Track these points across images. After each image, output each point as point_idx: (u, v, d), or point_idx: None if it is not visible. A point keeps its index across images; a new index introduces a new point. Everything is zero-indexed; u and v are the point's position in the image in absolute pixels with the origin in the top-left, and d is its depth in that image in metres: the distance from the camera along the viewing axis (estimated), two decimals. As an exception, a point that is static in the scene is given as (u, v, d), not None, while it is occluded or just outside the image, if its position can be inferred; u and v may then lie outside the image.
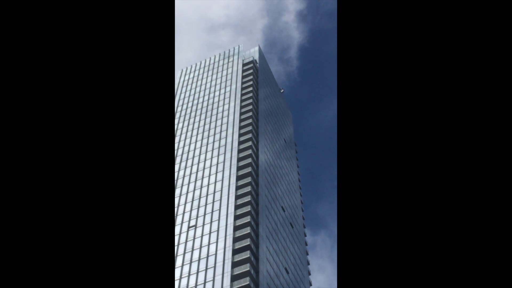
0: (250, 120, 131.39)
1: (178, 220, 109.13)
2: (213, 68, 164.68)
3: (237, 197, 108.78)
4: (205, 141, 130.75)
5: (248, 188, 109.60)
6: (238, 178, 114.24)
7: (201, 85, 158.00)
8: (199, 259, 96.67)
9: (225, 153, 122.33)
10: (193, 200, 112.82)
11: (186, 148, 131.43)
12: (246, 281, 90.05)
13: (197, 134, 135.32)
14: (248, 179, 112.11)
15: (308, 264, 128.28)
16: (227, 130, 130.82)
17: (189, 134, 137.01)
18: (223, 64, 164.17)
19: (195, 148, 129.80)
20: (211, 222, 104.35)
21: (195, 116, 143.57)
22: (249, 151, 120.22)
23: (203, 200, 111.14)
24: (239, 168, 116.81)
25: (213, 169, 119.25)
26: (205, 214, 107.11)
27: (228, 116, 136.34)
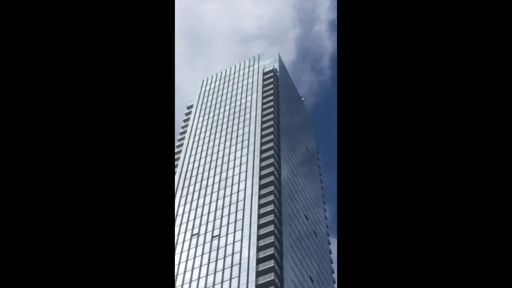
0: (271, 129, 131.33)
1: (202, 230, 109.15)
2: (233, 78, 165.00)
3: (260, 206, 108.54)
4: (227, 150, 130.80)
5: (271, 197, 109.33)
6: (261, 187, 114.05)
7: (222, 95, 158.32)
8: (223, 268, 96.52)
9: (247, 162, 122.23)
10: (216, 209, 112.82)
11: (209, 158, 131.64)
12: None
13: (219, 143, 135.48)
14: (271, 188, 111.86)
15: (333, 272, 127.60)
16: (248, 139, 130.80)
17: (211, 144, 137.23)
18: (243, 74, 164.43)
19: (217, 158, 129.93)
20: (235, 231, 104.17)
21: (217, 126, 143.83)
22: (271, 160, 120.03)
23: (226, 210, 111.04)
24: (261, 177, 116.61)
25: (236, 179, 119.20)
26: (228, 223, 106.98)
27: (249, 125, 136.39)
